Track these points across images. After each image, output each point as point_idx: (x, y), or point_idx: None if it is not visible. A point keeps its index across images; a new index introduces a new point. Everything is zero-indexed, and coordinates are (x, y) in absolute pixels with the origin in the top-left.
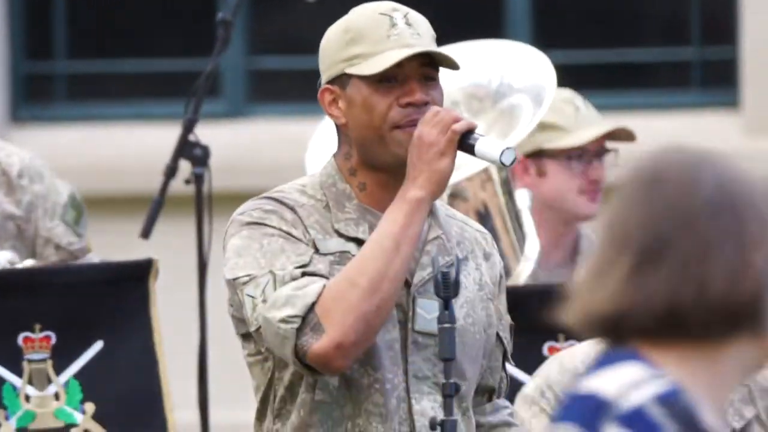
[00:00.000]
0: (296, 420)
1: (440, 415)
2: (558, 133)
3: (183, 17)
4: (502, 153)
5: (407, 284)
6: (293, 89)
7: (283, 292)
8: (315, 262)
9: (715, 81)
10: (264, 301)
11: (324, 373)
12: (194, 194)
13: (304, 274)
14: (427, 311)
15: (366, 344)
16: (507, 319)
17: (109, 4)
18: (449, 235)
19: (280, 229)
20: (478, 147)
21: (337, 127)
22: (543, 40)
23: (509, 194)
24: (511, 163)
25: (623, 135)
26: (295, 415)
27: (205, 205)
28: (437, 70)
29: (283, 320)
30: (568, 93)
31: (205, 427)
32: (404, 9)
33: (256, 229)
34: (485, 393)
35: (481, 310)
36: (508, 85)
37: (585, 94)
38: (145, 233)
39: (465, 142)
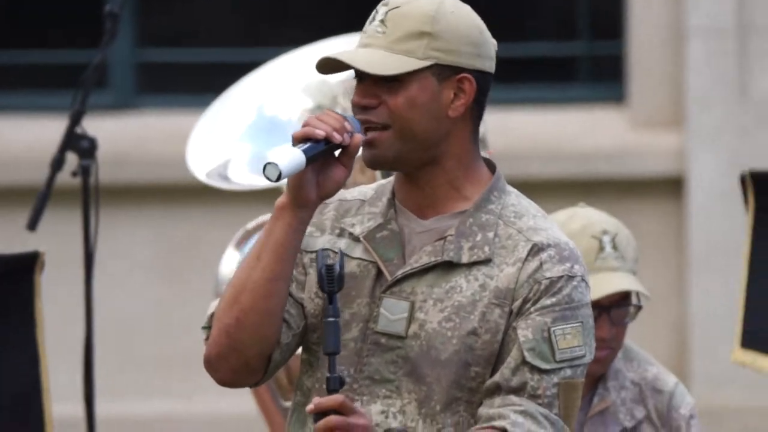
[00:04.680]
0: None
1: (392, 421)
2: None
3: (70, 8)
4: (264, 167)
5: (383, 283)
6: (181, 82)
7: (214, 301)
8: None
9: (603, 76)
10: None
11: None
12: (81, 186)
13: None
14: (392, 312)
15: (236, 356)
16: (543, 321)
17: None
18: (464, 237)
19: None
20: (276, 155)
21: None
22: None
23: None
24: (276, 179)
25: None
26: None
27: (91, 197)
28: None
29: (202, 330)
30: None
31: (90, 420)
32: (397, 2)
33: None
34: (493, 392)
35: (475, 314)
36: None
37: None
38: (32, 225)
39: None
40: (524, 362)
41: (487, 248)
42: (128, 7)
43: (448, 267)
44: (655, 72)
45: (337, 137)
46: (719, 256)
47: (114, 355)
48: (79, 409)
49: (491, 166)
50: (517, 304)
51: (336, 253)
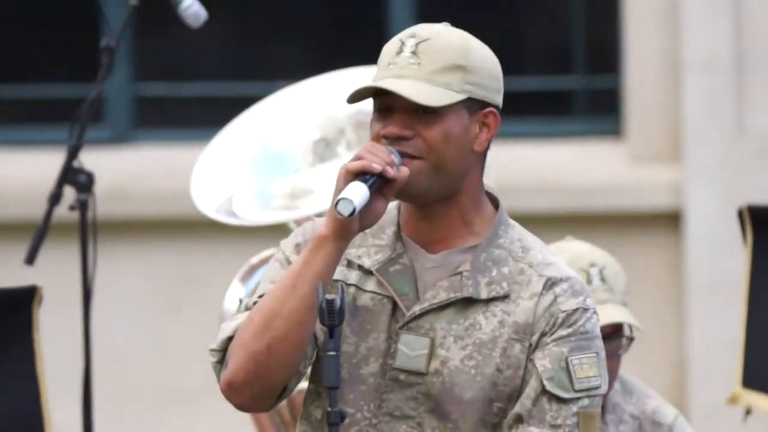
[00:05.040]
0: None
1: None
2: None
3: (67, 43)
4: (337, 202)
5: (398, 318)
6: (178, 116)
7: (225, 323)
8: None
9: (599, 110)
10: None
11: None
12: (79, 221)
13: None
14: (411, 348)
15: (262, 383)
16: (561, 351)
17: None
18: (480, 272)
19: (286, 255)
20: (344, 190)
21: None
22: None
23: None
24: (350, 215)
25: None
26: None
27: (89, 231)
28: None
29: (210, 352)
30: None
31: None
32: (425, 35)
33: (277, 253)
34: (513, 424)
35: (496, 351)
36: None
37: None
38: (30, 259)
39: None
40: (544, 391)
41: (505, 284)
42: (125, 41)
43: (466, 303)
44: (651, 106)
45: (390, 171)
46: (718, 290)
47: (113, 389)
48: None
49: (494, 200)
50: (535, 338)
51: (349, 285)
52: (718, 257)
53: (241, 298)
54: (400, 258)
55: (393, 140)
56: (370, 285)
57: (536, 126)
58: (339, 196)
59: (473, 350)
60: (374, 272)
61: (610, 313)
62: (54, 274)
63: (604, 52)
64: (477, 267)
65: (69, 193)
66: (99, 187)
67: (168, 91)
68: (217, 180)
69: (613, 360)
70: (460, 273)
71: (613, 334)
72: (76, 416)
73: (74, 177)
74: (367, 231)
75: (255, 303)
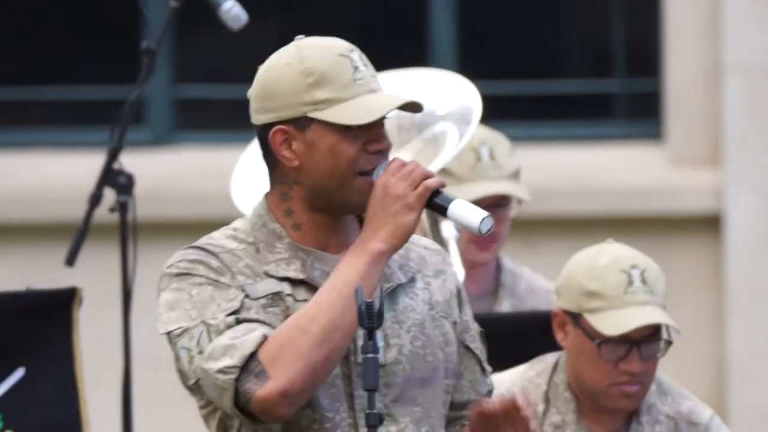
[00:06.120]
0: None
1: None
2: (450, 181)
3: (108, 44)
4: (482, 221)
5: None
6: (218, 118)
7: (220, 341)
8: (246, 307)
9: (640, 113)
10: (200, 352)
11: (267, 421)
12: (119, 222)
13: (238, 321)
14: None
15: (311, 393)
16: (475, 327)
17: (31, 30)
18: (390, 261)
19: (208, 277)
20: (453, 208)
21: (275, 166)
22: (467, 70)
23: (434, 221)
24: (487, 231)
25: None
26: None
27: (129, 233)
28: None
29: (221, 371)
30: (478, 138)
31: None
32: (355, 48)
33: (184, 280)
34: (467, 408)
35: (434, 330)
36: (431, 114)
37: (509, 125)
38: (70, 261)
39: (434, 199)
40: (483, 371)
41: (411, 263)
42: (165, 44)
43: (392, 290)
44: (692, 109)
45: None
46: (757, 293)
47: (152, 391)
48: None
49: None
50: (455, 313)
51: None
52: (759, 261)
53: (184, 325)
54: (315, 264)
55: (384, 153)
56: (302, 294)
57: (576, 129)
58: (483, 214)
59: (416, 331)
60: (306, 280)
61: (650, 315)
62: (94, 276)
63: (645, 55)
64: None
65: (109, 195)
66: (139, 189)
67: (208, 93)
68: (256, 181)
69: (650, 363)
70: None
71: (652, 336)
72: (115, 417)
73: (114, 179)
74: (260, 246)
75: (238, 321)
